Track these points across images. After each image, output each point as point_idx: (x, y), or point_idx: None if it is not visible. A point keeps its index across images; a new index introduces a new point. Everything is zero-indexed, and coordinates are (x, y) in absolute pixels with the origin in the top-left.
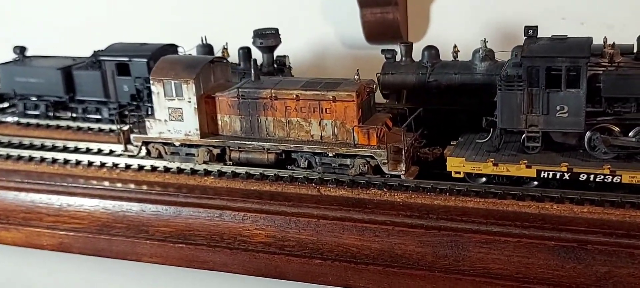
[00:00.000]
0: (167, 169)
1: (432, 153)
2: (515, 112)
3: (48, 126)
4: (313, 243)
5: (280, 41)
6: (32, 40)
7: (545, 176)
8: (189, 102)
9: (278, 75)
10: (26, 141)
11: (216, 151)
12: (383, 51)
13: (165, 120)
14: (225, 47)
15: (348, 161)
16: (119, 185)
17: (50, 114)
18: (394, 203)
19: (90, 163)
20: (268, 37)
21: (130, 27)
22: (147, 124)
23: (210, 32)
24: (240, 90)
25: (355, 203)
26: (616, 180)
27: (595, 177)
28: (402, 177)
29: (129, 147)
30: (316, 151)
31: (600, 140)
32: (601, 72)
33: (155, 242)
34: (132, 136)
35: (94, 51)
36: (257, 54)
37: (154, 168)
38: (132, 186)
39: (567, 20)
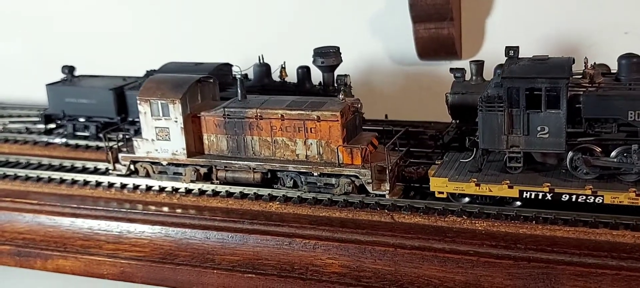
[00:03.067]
0: (229, 194)
1: (416, 172)
2: (497, 132)
3: (98, 148)
4: (391, 274)
5: (341, 60)
6: (80, 59)
7: (528, 196)
8: (176, 121)
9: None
10: (78, 164)
11: (203, 170)
12: (452, 70)
13: (153, 140)
14: (283, 66)
15: (333, 180)
16: (180, 210)
17: (100, 135)
18: (476, 232)
19: (148, 188)
20: (329, 56)
21: (182, 46)
22: (135, 143)
23: (258, 50)
24: (226, 109)
25: (434, 231)
26: (598, 201)
27: (577, 198)
28: (387, 196)
29: (117, 166)
30: (301, 170)
31: (581, 160)
32: (581, 92)
33: (223, 272)
34: (120, 155)
35: (147, 71)
36: (317, 73)
37: (215, 193)
38: (192, 212)
39: (630, 35)
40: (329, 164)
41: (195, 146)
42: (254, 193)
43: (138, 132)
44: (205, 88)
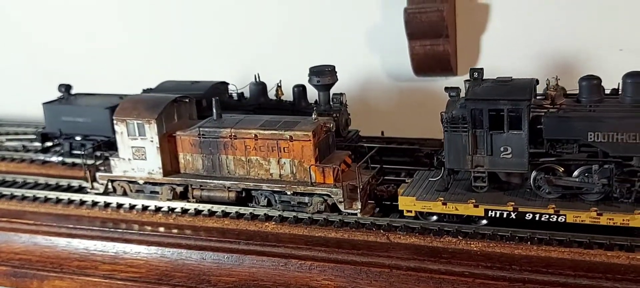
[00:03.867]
0: (225, 214)
1: (387, 191)
2: (461, 152)
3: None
4: None
5: (337, 79)
6: (76, 77)
7: (493, 215)
8: (152, 141)
9: (336, 113)
10: (75, 183)
11: (179, 189)
12: (447, 89)
13: (129, 159)
14: (279, 85)
15: (306, 199)
16: (175, 231)
17: (98, 154)
18: (471, 253)
19: (144, 208)
20: (325, 75)
21: (179, 64)
22: (112, 162)
23: (254, 68)
24: (201, 129)
25: (429, 252)
26: (561, 220)
27: (540, 217)
28: (358, 215)
29: (95, 185)
30: (275, 189)
31: (544, 180)
32: (543, 113)
33: None
34: (97, 174)
35: (144, 89)
36: (312, 92)
37: (211, 213)
38: (188, 232)
39: (625, 52)
40: (302, 183)
41: (171, 165)
42: (250, 213)
43: (115, 152)
44: (181, 108)
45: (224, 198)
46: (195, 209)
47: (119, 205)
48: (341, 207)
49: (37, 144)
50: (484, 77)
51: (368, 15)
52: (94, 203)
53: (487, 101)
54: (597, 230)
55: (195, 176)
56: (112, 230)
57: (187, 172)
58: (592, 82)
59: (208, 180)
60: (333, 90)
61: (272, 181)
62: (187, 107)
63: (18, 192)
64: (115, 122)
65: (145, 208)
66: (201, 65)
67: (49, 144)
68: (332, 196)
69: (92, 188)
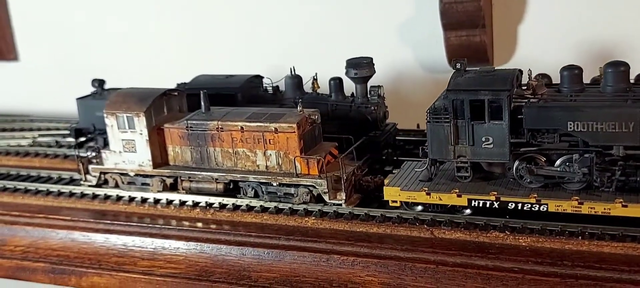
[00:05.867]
0: (264, 209)
1: (373, 181)
2: (444, 143)
3: None
4: None
5: (375, 71)
6: (109, 72)
7: (476, 205)
8: (141, 134)
9: (375, 106)
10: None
11: (169, 181)
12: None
13: (120, 152)
14: (315, 77)
15: (292, 190)
16: (214, 226)
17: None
18: (519, 248)
19: (182, 203)
20: (363, 67)
21: (213, 58)
22: (104, 155)
23: (285, 61)
24: (188, 122)
25: (476, 247)
26: (543, 209)
27: (523, 206)
28: (343, 205)
29: (88, 177)
30: (262, 181)
31: (525, 169)
32: (524, 104)
33: None
34: (90, 167)
35: (178, 84)
36: (349, 84)
37: (250, 208)
38: (227, 227)
39: None
40: (288, 174)
41: (161, 157)
42: (289, 208)
43: (107, 144)
44: (171, 100)
45: (212, 189)
46: (233, 204)
47: (157, 201)
48: (326, 197)
49: (71, 139)
50: (467, 68)
51: (400, 6)
52: (131, 199)
53: (468, 92)
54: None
55: (184, 168)
56: (150, 225)
57: (176, 164)
58: (573, 72)
59: (196, 172)
60: (370, 83)
61: (259, 172)
62: (177, 100)
63: (54, 187)
64: (105, 115)
65: (183, 203)
66: (236, 59)
67: (82, 139)
68: (317, 187)
69: (85, 180)
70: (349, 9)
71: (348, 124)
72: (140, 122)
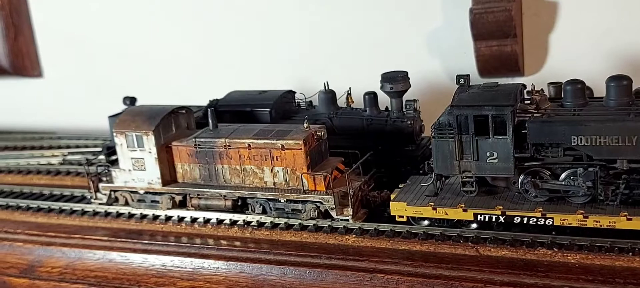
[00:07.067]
0: (303, 227)
1: (379, 196)
2: (449, 158)
3: None
4: None
5: (410, 85)
6: (141, 89)
7: (482, 219)
8: (150, 152)
9: (411, 120)
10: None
11: (178, 198)
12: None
13: (130, 170)
14: (349, 92)
15: (300, 206)
16: (252, 245)
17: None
18: (569, 265)
19: (219, 222)
20: (398, 81)
21: (246, 74)
22: (113, 173)
23: (313, 76)
24: (196, 139)
25: (524, 265)
26: (548, 223)
27: (528, 220)
28: (350, 221)
29: (98, 195)
30: (269, 197)
31: (530, 183)
32: (527, 118)
33: None
34: (100, 185)
35: (210, 100)
36: (384, 99)
37: (288, 227)
38: (266, 246)
39: None
40: (295, 191)
41: (170, 175)
42: (329, 226)
43: (116, 163)
44: (179, 118)
45: (221, 206)
46: (271, 222)
47: (194, 220)
48: (333, 213)
49: (101, 157)
50: (470, 83)
51: (428, 18)
52: (167, 218)
53: (472, 107)
54: None
55: (193, 185)
56: (188, 245)
57: (185, 182)
58: (576, 86)
59: (204, 189)
60: (405, 97)
61: (266, 189)
62: (185, 118)
63: (89, 207)
64: (114, 134)
65: (220, 222)
66: (269, 75)
67: (114, 157)
68: (324, 203)
69: (95, 198)
70: (377, 21)
71: (384, 139)
72: (149, 141)
